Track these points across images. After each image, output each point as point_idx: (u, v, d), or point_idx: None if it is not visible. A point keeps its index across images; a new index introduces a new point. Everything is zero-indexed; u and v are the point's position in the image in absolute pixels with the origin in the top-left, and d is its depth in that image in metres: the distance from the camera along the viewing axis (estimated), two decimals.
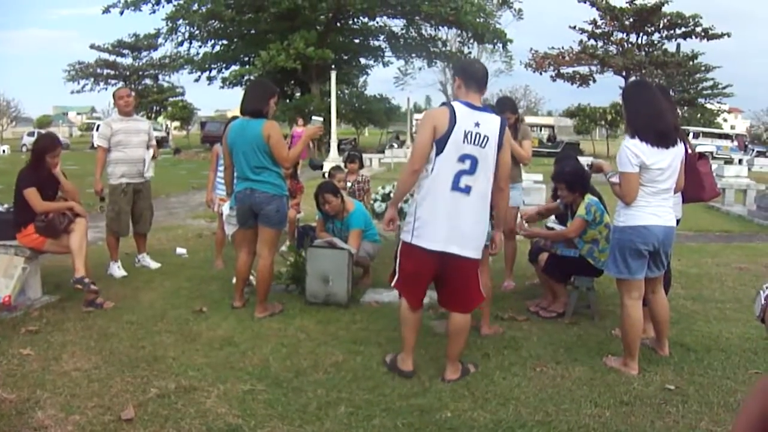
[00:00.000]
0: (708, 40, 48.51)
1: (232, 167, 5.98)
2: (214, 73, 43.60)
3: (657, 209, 4.62)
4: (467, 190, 4.30)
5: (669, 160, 4.57)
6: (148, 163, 7.81)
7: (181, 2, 37.54)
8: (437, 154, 4.29)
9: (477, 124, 4.27)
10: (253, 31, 40.67)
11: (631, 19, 48.29)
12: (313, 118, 6.81)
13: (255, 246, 6.09)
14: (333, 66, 33.97)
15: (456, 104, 4.34)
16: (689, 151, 5.14)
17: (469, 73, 4.47)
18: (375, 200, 8.39)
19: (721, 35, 48.23)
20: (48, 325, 5.66)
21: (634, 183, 4.56)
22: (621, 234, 4.69)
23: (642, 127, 4.57)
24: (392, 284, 4.76)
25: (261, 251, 6.00)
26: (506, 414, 4.07)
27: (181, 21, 39.22)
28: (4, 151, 42.66)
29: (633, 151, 4.51)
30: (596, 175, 5.48)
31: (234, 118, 6.57)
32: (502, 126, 4.38)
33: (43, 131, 23.40)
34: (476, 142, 4.26)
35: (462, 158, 4.26)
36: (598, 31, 50.64)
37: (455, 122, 4.24)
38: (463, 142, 4.24)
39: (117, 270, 7.65)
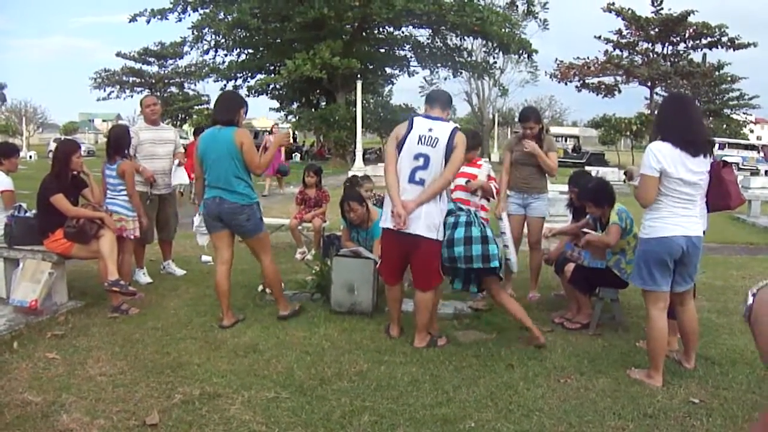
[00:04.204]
0: (734, 50, 48.22)
1: (203, 178, 5.93)
2: (239, 81, 43.57)
3: (681, 219, 4.60)
4: (422, 182, 5.21)
5: (695, 169, 4.57)
6: (174, 171, 7.86)
7: (207, 11, 37.62)
8: (399, 153, 5.28)
9: (430, 129, 5.25)
10: (278, 41, 40.61)
11: (657, 29, 48.17)
12: (280, 126, 6.86)
13: (230, 252, 6.06)
14: (359, 75, 33.87)
15: (416, 117, 5.42)
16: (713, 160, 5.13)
17: (432, 97, 5.60)
18: None
19: (748, 45, 47.91)
20: (74, 330, 5.73)
21: (652, 186, 4.58)
22: (646, 245, 4.70)
23: (671, 132, 4.60)
24: (377, 266, 6.06)
25: (258, 259, 6.12)
26: (530, 425, 4.07)
27: (206, 30, 39.20)
28: (31, 156, 43.10)
29: (656, 156, 4.55)
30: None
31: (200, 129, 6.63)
32: (452, 132, 5.24)
33: (70, 137, 23.67)
34: (428, 143, 5.20)
35: (417, 156, 5.21)
36: (624, 41, 50.58)
37: (411, 129, 5.28)
38: (418, 143, 5.22)
39: (142, 276, 7.72)
